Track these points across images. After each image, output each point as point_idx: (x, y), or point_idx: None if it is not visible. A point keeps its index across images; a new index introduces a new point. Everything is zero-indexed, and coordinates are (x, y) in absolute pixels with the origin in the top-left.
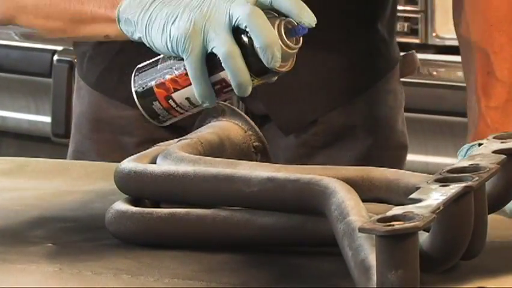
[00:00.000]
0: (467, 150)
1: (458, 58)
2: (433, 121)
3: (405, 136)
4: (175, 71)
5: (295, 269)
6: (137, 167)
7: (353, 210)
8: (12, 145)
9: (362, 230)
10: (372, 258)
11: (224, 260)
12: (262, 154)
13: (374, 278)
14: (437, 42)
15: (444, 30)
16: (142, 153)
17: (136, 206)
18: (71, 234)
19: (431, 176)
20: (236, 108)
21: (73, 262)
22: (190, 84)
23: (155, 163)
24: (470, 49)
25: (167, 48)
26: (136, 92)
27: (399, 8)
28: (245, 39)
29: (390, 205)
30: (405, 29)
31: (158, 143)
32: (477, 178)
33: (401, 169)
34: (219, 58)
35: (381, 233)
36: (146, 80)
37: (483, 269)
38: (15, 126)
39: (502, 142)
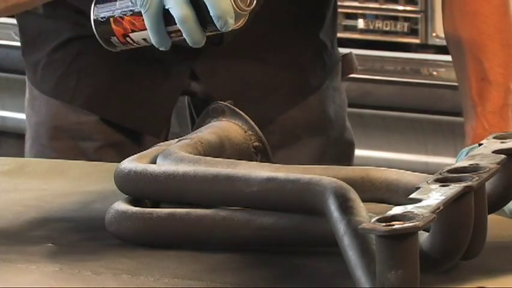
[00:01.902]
0: (466, 153)
1: None
2: (433, 121)
3: (351, 134)
4: (134, 14)
5: (295, 269)
6: (137, 167)
7: (353, 210)
8: (13, 145)
9: (362, 230)
10: (372, 258)
11: (224, 260)
12: (262, 154)
13: (374, 278)
14: (437, 42)
15: None
16: (142, 153)
17: (136, 206)
18: (71, 234)
19: (431, 176)
20: (236, 109)
21: (73, 262)
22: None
23: (155, 163)
24: (463, 56)
25: None
26: (94, 21)
27: (400, 8)
28: (200, 2)
29: (390, 205)
30: (405, 29)
31: (117, 146)
32: (477, 178)
33: (350, 165)
34: None
35: (381, 232)
36: (106, 13)
37: (483, 269)
38: (15, 126)
39: (502, 142)
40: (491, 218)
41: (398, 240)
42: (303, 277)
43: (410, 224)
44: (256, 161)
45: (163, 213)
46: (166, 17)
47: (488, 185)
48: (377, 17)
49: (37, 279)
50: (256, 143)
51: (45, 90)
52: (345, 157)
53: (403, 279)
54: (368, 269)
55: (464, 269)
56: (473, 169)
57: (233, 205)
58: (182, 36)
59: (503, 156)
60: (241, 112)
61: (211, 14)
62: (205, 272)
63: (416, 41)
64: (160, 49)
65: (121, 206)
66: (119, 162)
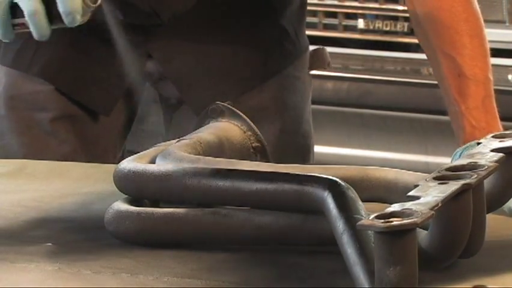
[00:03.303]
0: (461, 154)
1: None
2: (434, 121)
3: (311, 127)
4: None
5: (294, 268)
6: (137, 167)
7: (351, 209)
8: None
9: (360, 226)
10: (371, 256)
11: (223, 259)
12: (261, 155)
13: (373, 275)
14: None
15: None
16: (141, 153)
17: (135, 206)
18: (71, 234)
19: (429, 174)
20: (235, 109)
21: (72, 261)
22: None
23: (154, 163)
24: (434, 54)
25: None
26: None
27: (400, 8)
28: None
29: (388, 204)
30: (405, 29)
31: (72, 119)
32: (475, 176)
33: (308, 159)
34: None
35: (379, 229)
36: None
37: (481, 267)
38: None
39: (500, 141)
40: (490, 216)
41: (397, 236)
42: (302, 276)
43: (409, 221)
44: (255, 161)
45: (162, 213)
46: (13, 9)
47: (486, 184)
48: (377, 17)
49: (37, 279)
50: (256, 144)
51: (5, 61)
52: (302, 149)
53: (402, 276)
54: (367, 267)
55: (462, 267)
56: (472, 167)
57: (232, 204)
58: (27, 29)
59: (501, 154)
60: (240, 113)
61: (60, 10)
62: (205, 271)
63: (416, 41)
64: (4, 41)
65: (121, 205)
66: (74, 136)
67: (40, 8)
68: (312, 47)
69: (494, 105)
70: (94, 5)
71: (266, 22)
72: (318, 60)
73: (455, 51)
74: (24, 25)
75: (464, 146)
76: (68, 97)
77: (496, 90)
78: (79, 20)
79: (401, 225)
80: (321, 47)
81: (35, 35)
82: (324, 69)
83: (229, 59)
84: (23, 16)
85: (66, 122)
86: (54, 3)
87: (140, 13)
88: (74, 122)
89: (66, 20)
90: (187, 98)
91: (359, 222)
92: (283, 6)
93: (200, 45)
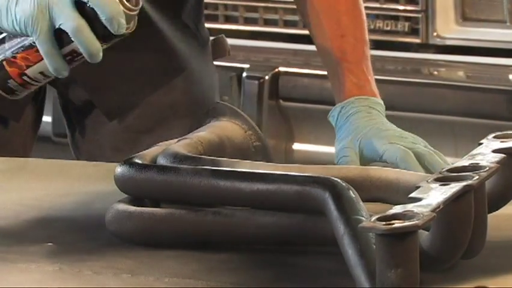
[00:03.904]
0: (340, 110)
1: (459, 58)
2: (434, 121)
3: None
4: (25, 49)
5: (295, 269)
6: (138, 167)
7: (352, 209)
8: None
9: (362, 228)
10: (372, 257)
11: (224, 260)
12: (262, 154)
13: (374, 277)
14: (438, 42)
15: (445, 30)
16: (142, 152)
17: (136, 206)
18: (71, 234)
19: (430, 175)
20: (236, 108)
21: (73, 262)
22: (42, 59)
23: (155, 162)
24: (318, 18)
25: (15, 30)
26: None
27: (400, 7)
28: (89, 10)
29: (390, 205)
30: (406, 29)
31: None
32: (477, 177)
33: None
34: (67, 32)
35: (381, 231)
36: None
37: (483, 268)
38: None
39: (501, 141)
40: (491, 217)
41: (398, 239)
42: (303, 276)
43: (410, 223)
44: (256, 160)
45: (163, 213)
46: (59, 39)
47: (488, 184)
48: (377, 16)
49: (37, 279)
50: (257, 143)
51: None
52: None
53: (403, 278)
54: (368, 268)
55: (464, 268)
56: (473, 168)
57: (233, 204)
58: (78, 56)
59: (503, 155)
60: (241, 112)
61: (102, 19)
62: (205, 271)
63: (417, 40)
64: (60, 77)
65: (121, 205)
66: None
67: (83, 22)
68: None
69: (371, 69)
70: (137, 8)
71: (166, 20)
72: (219, 50)
73: (339, 14)
74: (76, 52)
75: (344, 102)
76: None
77: (496, 90)
78: (124, 24)
79: (402, 227)
80: (221, 35)
81: (86, 56)
82: (225, 57)
83: (132, 59)
84: (71, 41)
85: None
86: (96, 16)
87: None
88: None
89: (111, 27)
90: (96, 100)
91: (361, 225)
92: (181, 2)
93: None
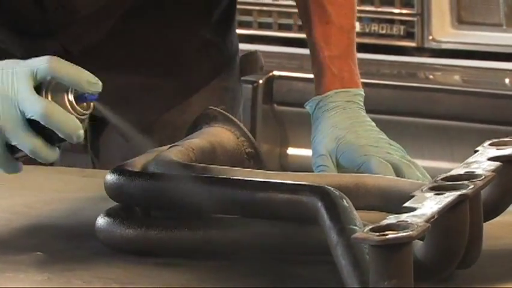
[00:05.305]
0: (318, 103)
1: (455, 62)
2: (429, 125)
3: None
4: None
5: (288, 278)
6: (128, 174)
7: (346, 219)
8: None
9: (355, 239)
10: (366, 268)
11: (216, 268)
12: (255, 161)
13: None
14: (434, 45)
15: (441, 33)
16: (133, 159)
17: (126, 214)
18: (60, 242)
19: (425, 183)
20: (229, 115)
21: (61, 271)
22: None
23: (146, 169)
24: (305, 2)
25: None
26: None
27: (396, 11)
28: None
29: (384, 213)
30: (402, 33)
31: None
32: (472, 186)
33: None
34: None
35: (374, 242)
36: None
37: (479, 278)
38: None
39: (497, 149)
40: (487, 226)
41: (392, 250)
42: (296, 285)
43: (404, 234)
44: (249, 167)
45: (154, 221)
46: (12, 147)
47: (484, 193)
48: (373, 20)
49: None
50: (249, 149)
51: None
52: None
53: None
54: (362, 279)
55: (459, 278)
56: (469, 177)
57: (225, 213)
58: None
59: (498, 163)
60: (233, 118)
61: (62, 137)
62: (197, 280)
63: (412, 44)
64: (10, 174)
65: (111, 213)
66: None
67: (39, 142)
68: (245, 47)
69: (355, 53)
70: (87, 112)
71: (188, 37)
72: (250, 66)
73: (326, 0)
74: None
75: (322, 96)
76: None
77: (494, 94)
78: (82, 134)
79: (396, 238)
80: (255, 50)
81: (45, 162)
82: (257, 73)
83: (149, 76)
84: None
85: None
86: (54, 134)
87: (48, 51)
88: None
89: (72, 141)
90: (111, 118)
91: (354, 235)
92: (206, 17)
93: (119, 65)
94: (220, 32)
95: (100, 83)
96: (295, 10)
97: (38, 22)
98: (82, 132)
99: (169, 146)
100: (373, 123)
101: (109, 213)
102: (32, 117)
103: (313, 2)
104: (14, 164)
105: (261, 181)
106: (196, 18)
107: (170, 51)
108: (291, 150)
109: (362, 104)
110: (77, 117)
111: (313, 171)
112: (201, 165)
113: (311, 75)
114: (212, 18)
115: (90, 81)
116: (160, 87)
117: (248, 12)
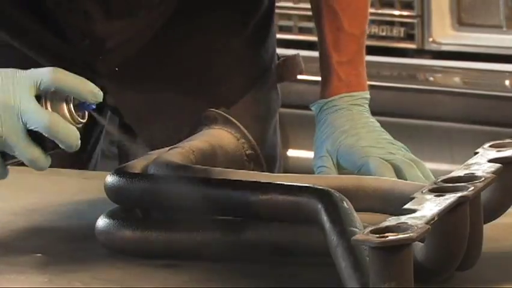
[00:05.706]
0: (322, 106)
1: (455, 63)
2: (430, 127)
3: (275, 147)
4: None
5: (288, 280)
6: (128, 176)
7: (346, 221)
8: None
9: (355, 241)
10: (366, 270)
11: (216, 270)
12: (255, 163)
13: None
14: (434, 47)
15: (441, 35)
16: (133, 161)
17: (126, 216)
18: (61, 244)
19: (425, 184)
20: (229, 116)
21: (62, 273)
22: None
23: (146, 171)
24: (318, 7)
25: None
26: None
27: (396, 12)
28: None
29: (384, 214)
30: (402, 34)
31: None
32: (472, 188)
33: (273, 169)
34: None
35: (374, 244)
36: None
37: (478, 279)
38: None
39: (497, 151)
40: (487, 227)
41: (392, 252)
42: (295, 286)
43: (404, 236)
44: (249, 169)
45: (154, 223)
46: (4, 154)
47: (484, 194)
48: (373, 22)
49: None
50: (249, 151)
51: None
52: (267, 160)
53: None
54: (362, 281)
55: (459, 280)
56: (469, 179)
57: (225, 215)
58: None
59: (498, 165)
60: (234, 120)
61: (62, 147)
62: (196, 282)
63: (413, 46)
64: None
65: (112, 215)
66: None
67: (38, 152)
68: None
69: (364, 55)
70: (83, 121)
71: (220, 52)
72: (289, 71)
73: (339, 6)
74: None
75: (328, 99)
76: None
77: (494, 96)
78: (78, 143)
79: (396, 240)
80: (296, 53)
81: (38, 170)
82: (296, 78)
83: (181, 92)
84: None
85: None
86: (52, 142)
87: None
88: None
89: (70, 150)
90: (140, 133)
91: (354, 237)
92: (239, 29)
93: (149, 82)
94: (255, 43)
95: (101, 93)
96: (298, 12)
97: (64, 51)
98: (78, 140)
99: (169, 147)
100: (377, 124)
101: (109, 215)
102: (35, 129)
103: (326, 8)
104: (5, 171)
105: (261, 183)
106: (230, 31)
107: (202, 66)
108: (291, 152)
109: (367, 106)
110: (75, 126)
111: (313, 173)
112: (201, 167)
113: (312, 78)
114: (247, 30)
115: (93, 92)
116: (190, 102)
117: None
